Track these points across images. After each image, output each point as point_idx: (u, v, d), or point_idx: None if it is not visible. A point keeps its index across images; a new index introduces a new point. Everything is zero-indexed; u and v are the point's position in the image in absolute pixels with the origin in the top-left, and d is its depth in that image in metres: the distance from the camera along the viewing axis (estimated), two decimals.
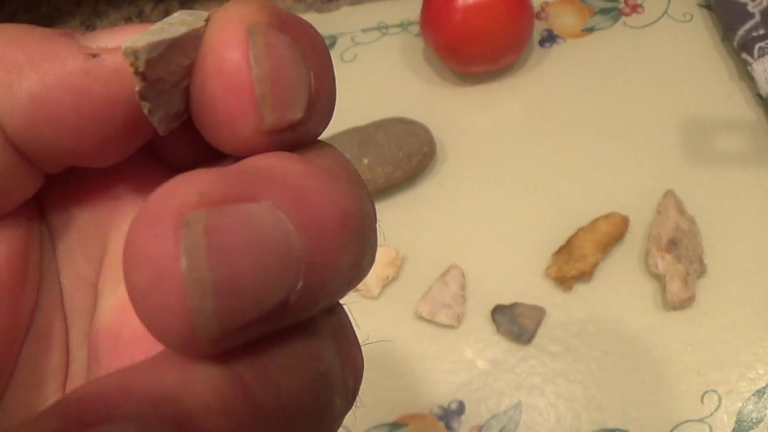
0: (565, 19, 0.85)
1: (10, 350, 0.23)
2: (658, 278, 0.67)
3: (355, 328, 0.24)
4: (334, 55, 0.85)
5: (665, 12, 0.83)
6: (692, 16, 0.82)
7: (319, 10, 0.89)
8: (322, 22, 0.88)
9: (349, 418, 0.65)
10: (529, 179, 0.75)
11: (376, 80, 0.84)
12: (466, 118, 0.80)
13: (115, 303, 0.24)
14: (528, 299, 0.68)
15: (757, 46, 0.74)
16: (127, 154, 0.23)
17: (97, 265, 0.25)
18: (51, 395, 0.24)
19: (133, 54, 0.20)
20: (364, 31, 0.87)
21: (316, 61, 0.22)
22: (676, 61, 0.79)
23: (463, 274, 0.70)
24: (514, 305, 0.67)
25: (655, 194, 0.71)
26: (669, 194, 0.70)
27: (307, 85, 0.21)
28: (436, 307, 0.68)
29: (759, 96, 0.75)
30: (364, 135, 0.73)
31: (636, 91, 0.78)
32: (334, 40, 0.87)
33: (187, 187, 0.18)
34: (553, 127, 0.78)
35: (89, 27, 0.94)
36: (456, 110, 0.80)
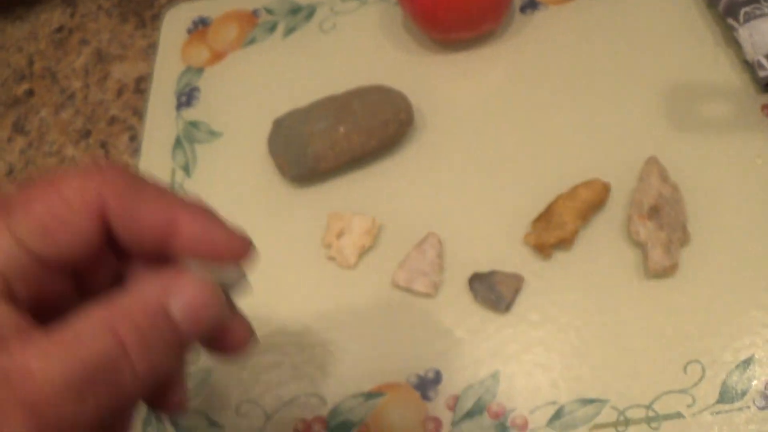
0: None
1: None
2: (640, 246, 0.62)
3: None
4: (312, 25, 0.81)
5: None
6: None
7: None
8: None
9: (324, 388, 0.62)
10: (509, 147, 0.70)
11: (356, 50, 0.79)
12: (446, 86, 0.75)
13: None
14: (506, 267, 0.64)
15: (742, 11, 0.69)
16: None
17: None
18: None
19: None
20: (343, 0, 0.82)
21: None
22: (661, 26, 0.74)
23: (440, 242, 0.65)
24: (491, 273, 0.63)
25: (638, 161, 0.66)
26: (651, 161, 0.65)
27: None
28: (413, 276, 0.64)
29: (745, 62, 0.70)
30: (340, 103, 0.69)
31: (620, 57, 0.73)
32: (312, 9, 0.82)
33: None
34: (534, 95, 0.73)
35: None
36: (435, 78, 0.76)
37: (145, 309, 0.35)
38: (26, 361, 0.31)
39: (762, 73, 0.67)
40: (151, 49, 0.85)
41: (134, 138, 0.79)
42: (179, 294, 0.36)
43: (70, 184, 0.36)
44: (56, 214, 0.35)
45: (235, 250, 0.39)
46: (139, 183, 0.38)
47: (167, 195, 0.38)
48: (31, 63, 0.89)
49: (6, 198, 0.35)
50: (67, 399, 0.31)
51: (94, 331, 0.33)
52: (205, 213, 0.39)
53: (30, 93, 0.86)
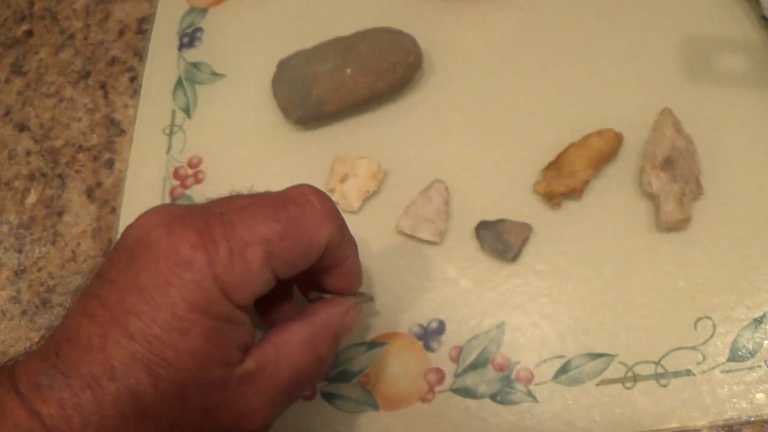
0: None
1: None
2: (652, 198, 0.60)
3: None
4: None
5: None
6: None
7: None
8: None
9: None
10: (520, 94, 0.67)
11: None
12: (457, 31, 0.72)
13: None
14: (514, 216, 0.61)
15: None
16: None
17: None
18: None
19: None
20: None
21: None
22: None
23: (447, 189, 0.63)
24: (499, 221, 0.60)
25: (652, 111, 0.64)
26: (666, 112, 0.62)
27: None
28: (418, 222, 0.61)
29: (763, 17, 0.67)
30: (348, 44, 0.66)
31: (636, 6, 0.70)
32: None
33: None
34: (547, 42, 0.70)
35: None
36: (446, 22, 0.72)
37: (331, 331, 0.48)
38: (268, 368, 0.44)
39: None
40: None
41: (134, 79, 0.76)
42: (347, 319, 0.50)
43: (315, 226, 0.45)
44: (303, 251, 0.45)
45: (357, 287, 0.53)
46: (344, 224, 0.49)
47: (351, 237, 0.51)
48: (31, 3, 0.86)
49: (266, 231, 0.43)
50: (288, 396, 0.46)
51: (307, 349, 0.46)
52: (358, 260, 0.52)
53: (29, 33, 0.83)
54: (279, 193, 0.46)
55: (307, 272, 0.48)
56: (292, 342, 0.46)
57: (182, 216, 0.42)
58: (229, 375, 0.42)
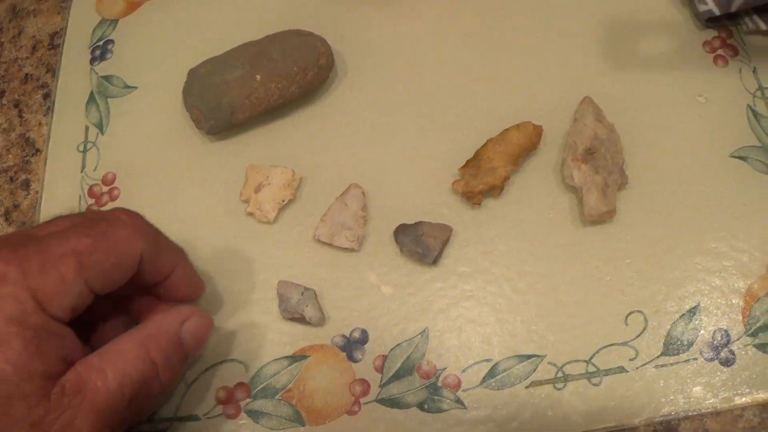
0: None
1: None
2: (575, 191, 0.58)
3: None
4: None
5: None
6: None
7: None
8: None
9: (245, 354, 0.57)
10: (435, 90, 0.65)
11: None
12: (369, 30, 0.69)
13: None
14: (434, 217, 0.59)
15: None
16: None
17: None
18: None
19: None
20: None
21: None
22: None
23: (363, 194, 0.60)
24: (418, 224, 0.57)
25: (572, 101, 0.61)
26: (586, 100, 0.60)
27: None
28: (336, 230, 0.58)
29: None
30: (257, 50, 0.62)
31: None
32: None
33: None
34: (462, 34, 0.67)
35: None
36: (358, 21, 0.69)
37: (167, 336, 0.48)
38: (91, 377, 0.44)
39: (702, 8, 0.62)
40: (66, 2, 0.78)
41: (48, 96, 0.72)
42: (190, 324, 0.50)
43: (125, 240, 0.47)
44: (115, 263, 0.46)
45: (198, 292, 0.55)
46: (160, 237, 0.51)
47: (173, 248, 0.52)
48: None
49: (76, 244, 0.44)
50: (120, 404, 0.44)
51: (135, 354, 0.46)
52: (190, 267, 0.54)
53: None
54: (93, 213, 0.51)
55: (146, 290, 0.52)
56: (119, 350, 0.46)
57: (1, 240, 0.44)
58: (51, 386, 0.42)
